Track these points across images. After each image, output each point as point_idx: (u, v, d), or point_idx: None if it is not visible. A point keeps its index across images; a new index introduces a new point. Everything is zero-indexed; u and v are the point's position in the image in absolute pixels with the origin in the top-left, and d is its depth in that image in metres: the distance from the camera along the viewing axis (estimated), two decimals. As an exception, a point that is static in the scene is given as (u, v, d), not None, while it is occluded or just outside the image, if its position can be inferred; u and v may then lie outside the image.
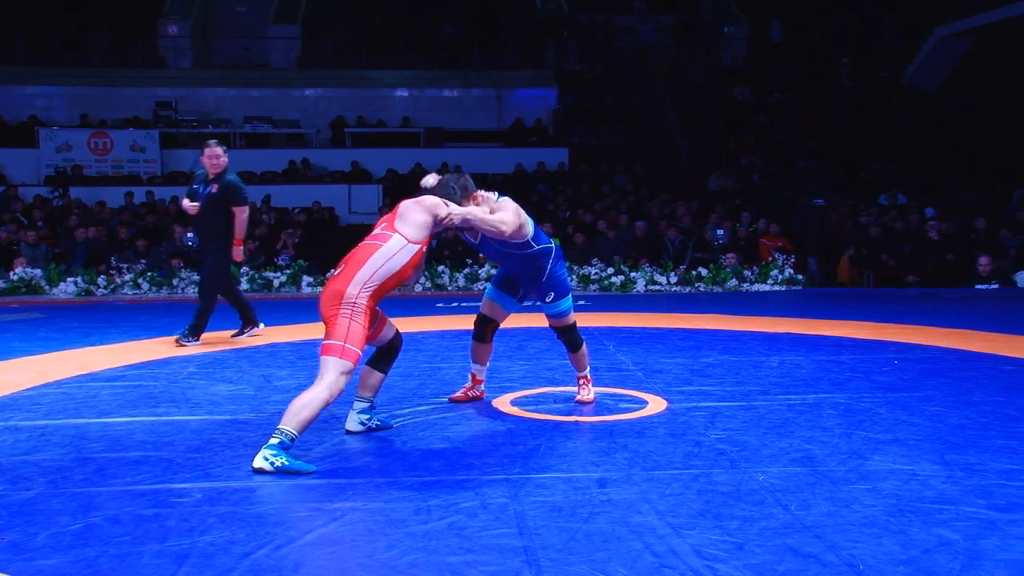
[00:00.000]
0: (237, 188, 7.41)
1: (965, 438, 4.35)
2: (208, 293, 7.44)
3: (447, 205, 4.35)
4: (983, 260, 11.94)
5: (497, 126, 20.21)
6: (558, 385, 5.70)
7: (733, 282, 11.99)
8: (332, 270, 4.28)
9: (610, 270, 12.15)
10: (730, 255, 12.44)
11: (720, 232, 13.43)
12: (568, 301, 5.02)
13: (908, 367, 6.21)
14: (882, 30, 22.89)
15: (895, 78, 21.13)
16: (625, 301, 10.86)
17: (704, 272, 12.08)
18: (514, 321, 8.82)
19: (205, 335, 7.47)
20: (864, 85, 20.88)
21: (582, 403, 5.11)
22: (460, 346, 7.22)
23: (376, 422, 4.59)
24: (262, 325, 7.83)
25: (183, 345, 7.24)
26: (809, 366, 6.27)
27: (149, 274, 11.92)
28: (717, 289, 11.89)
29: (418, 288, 11.84)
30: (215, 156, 7.34)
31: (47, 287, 11.71)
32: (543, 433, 4.52)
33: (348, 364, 4.01)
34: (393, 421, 4.75)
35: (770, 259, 12.42)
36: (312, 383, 4.00)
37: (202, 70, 21.31)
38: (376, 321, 4.36)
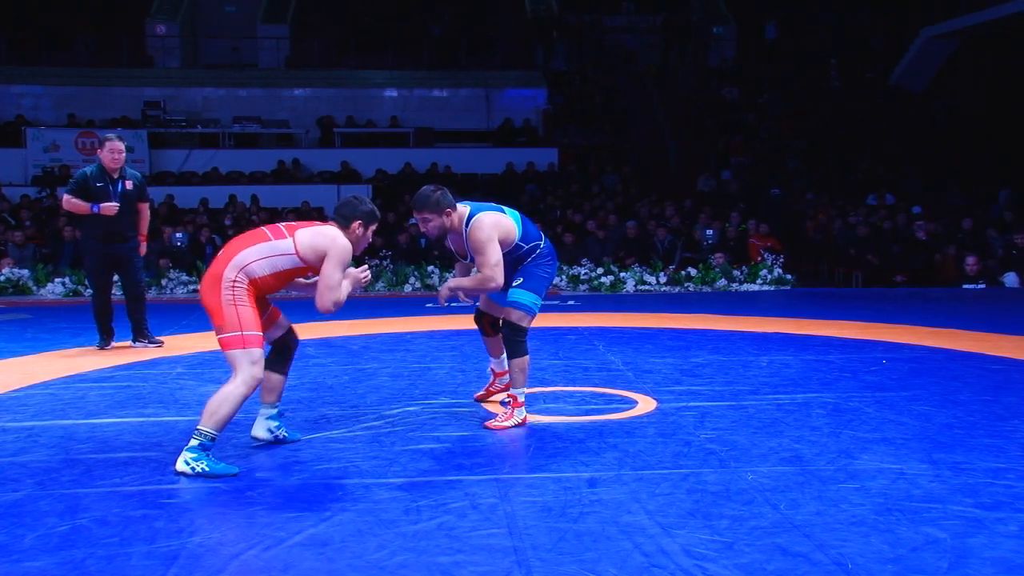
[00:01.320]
0: (145, 183, 7.41)
1: (952, 437, 4.37)
2: (141, 289, 7.38)
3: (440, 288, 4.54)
4: (970, 260, 12.00)
5: (486, 126, 20.21)
6: (548, 385, 5.70)
7: (722, 282, 12.01)
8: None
9: (599, 270, 12.16)
10: (719, 255, 12.46)
11: (709, 232, 13.46)
12: (529, 297, 4.65)
13: (896, 366, 6.23)
14: (870, 31, 22.98)
15: (883, 78, 21.22)
16: (615, 301, 10.88)
17: (693, 272, 12.10)
18: (504, 321, 8.83)
19: (191, 337, 7.47)
20: (852, 85, 20.96)
21: (489, 428, 4.59)
22: (449, 346, 7.22)
23: (284, 433, 4.35)
24: (113, 345, 7.34)
25: (159, 346, 7.28)
26: (798, 366, 6.29)
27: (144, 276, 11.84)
28: (706, 289, 11.91)
29: (407, 288, 11.84)
30: (119, 151, 7.03)
31: (35, 287, 11.64)
32: (533, 433, 4.52)
33: (255, 351, 3.87)
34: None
35: (759, 259, 12.45)
36: (226, 380, 3.91)
37: (190, 70, 21.25)
38: (266, 312, 4.14)
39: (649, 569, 2.85)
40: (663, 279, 12.02)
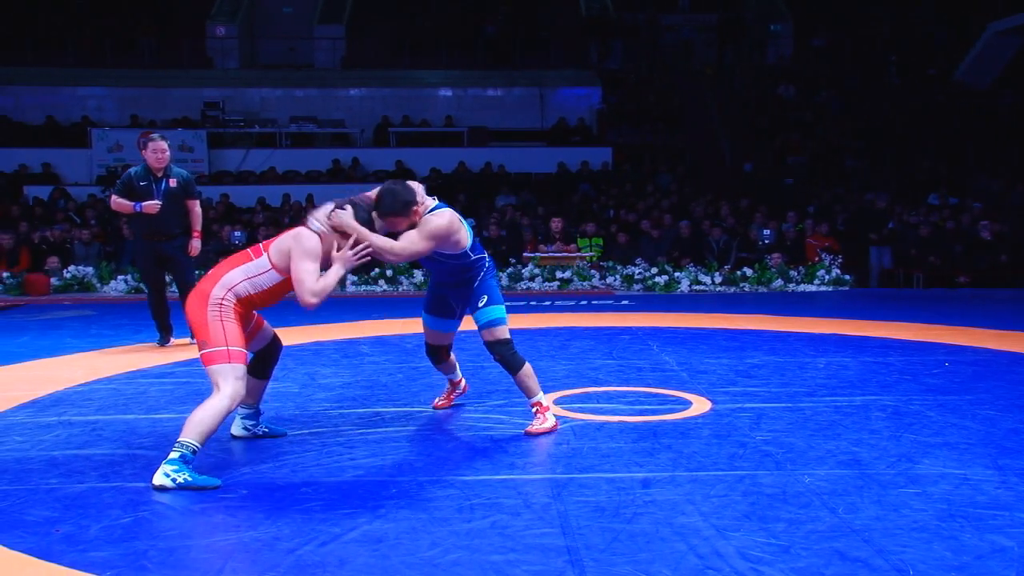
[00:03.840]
0: (193, 181, 7.42)
1: (1019, 442, 4.26)
2: (191, 287, 7.38)
3: (349, 233, 4.01)
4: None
5: (540, 125, 20.19)
6: (602, 385, 5.68)
7: (779, 282, 11.86)
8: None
9: (654, 270, 12.09)
10: (775, 255, 12.31)
11: (766, 232, 13.30)
12: (501, 311, 4.59)
13: (959, 369, 6.09)
14: (932, 26, 22.48)
15: (945, 75, 20.75)
16: (669, 301, 10.79)
17: (749, 272, 11.97)
18: (557, 320, 8.82)
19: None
20: (913, 83, 20.53)
21: (530, 435, 4.47)
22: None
23: (264, 429, 4.44)
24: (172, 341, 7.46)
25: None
26: (856, 367, 6.18)
27: (196, 272, 12.05)
28: (762, 289, 11.78)
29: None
30: (161, 150, 7.09)
31: (98, 285, 11.92)
32: (586, 433, 4.50)
33: (240, 367, 3.86)
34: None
35: (816, 259, 12.27)
36: (210, 395, 3.83)
37: (248, 71, 21.56)
38: (250, 325, 4.15)
39: (704, 571, 2.82)
40: (718, 279, 11.91)
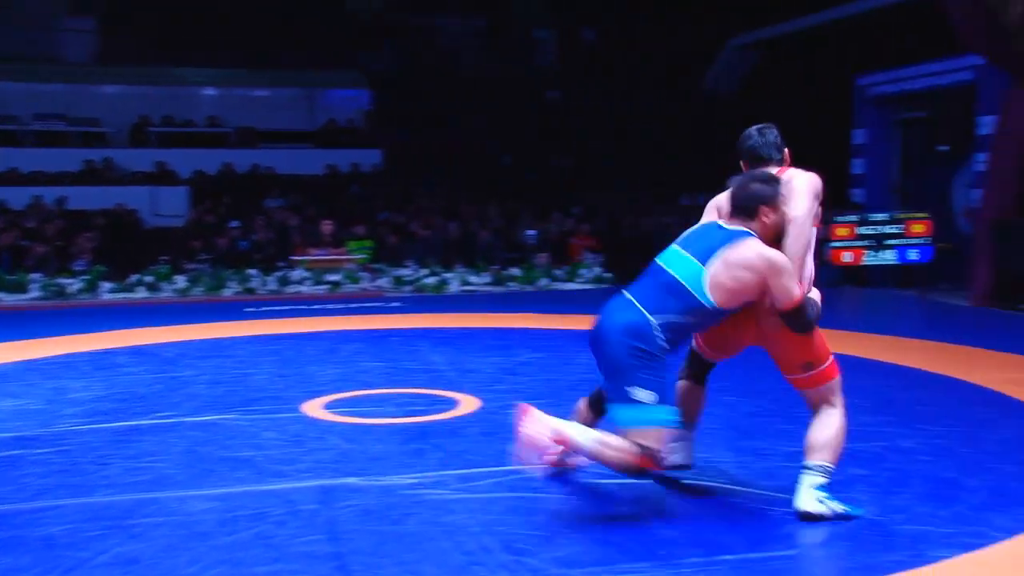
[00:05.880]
0: None
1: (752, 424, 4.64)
2: None
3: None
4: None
5: (309, 126, 19.84)
6: (372, 388, 5.65)
7: (544, 281, 12.28)
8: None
9: (424, 271, 12.19)
10: (542, 255, 12.74)
11: (530, 232, 13.73)
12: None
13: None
14: (681, 41, 24.00)
15: (695, 85, 22.24)
16: (439, 302, 10.91)
17: (516, 272, 12.32)
18: (327, 324, 8.69)
19: None
20: (668, 91, 21.86)
21: None
22: (270, 351, 7.04)
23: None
24: None
25: None
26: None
27: None
28: (529, 288, 12.15)
29: (227, 293, 11.45)
30: None
31: None
32: (356, 437, 4.47)
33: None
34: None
35: (580, 258, 12.81)
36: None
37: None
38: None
39: (469, 567, 2.88)
40: (487, 279, 12.18)
